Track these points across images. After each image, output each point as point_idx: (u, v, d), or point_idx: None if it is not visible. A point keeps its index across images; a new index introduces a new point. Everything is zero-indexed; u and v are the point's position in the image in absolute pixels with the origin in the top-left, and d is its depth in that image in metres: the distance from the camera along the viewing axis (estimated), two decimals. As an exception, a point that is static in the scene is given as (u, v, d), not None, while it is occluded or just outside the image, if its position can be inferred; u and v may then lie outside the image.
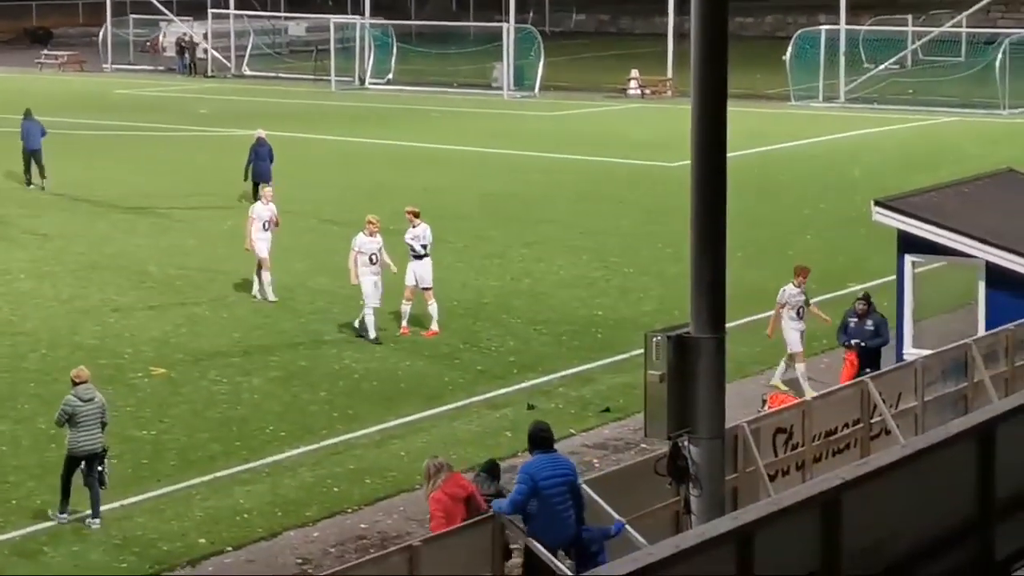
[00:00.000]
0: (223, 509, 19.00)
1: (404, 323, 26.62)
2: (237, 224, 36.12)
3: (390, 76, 68.56)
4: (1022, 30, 61.00)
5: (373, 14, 72.61)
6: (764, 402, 21.29)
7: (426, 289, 26.49)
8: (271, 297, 28.66)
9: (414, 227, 27.05)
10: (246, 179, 38.48)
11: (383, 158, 46.75)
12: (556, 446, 21.09)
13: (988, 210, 23.32)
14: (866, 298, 23.36)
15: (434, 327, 26.39)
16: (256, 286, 28.98)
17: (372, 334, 25.92)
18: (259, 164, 38.20)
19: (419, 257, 26.75)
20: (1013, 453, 13.65)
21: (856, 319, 22.96)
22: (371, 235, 26.38)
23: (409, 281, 26.69)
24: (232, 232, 35.17)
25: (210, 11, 76.03)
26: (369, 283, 26.06)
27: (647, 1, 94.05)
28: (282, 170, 43.58)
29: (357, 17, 74.06)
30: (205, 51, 74.89)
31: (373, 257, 26.18)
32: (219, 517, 18.75)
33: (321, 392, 23.46)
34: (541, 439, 15.28)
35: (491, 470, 16.37)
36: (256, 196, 39.05)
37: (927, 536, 12.75)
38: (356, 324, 26.38)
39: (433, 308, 26.41)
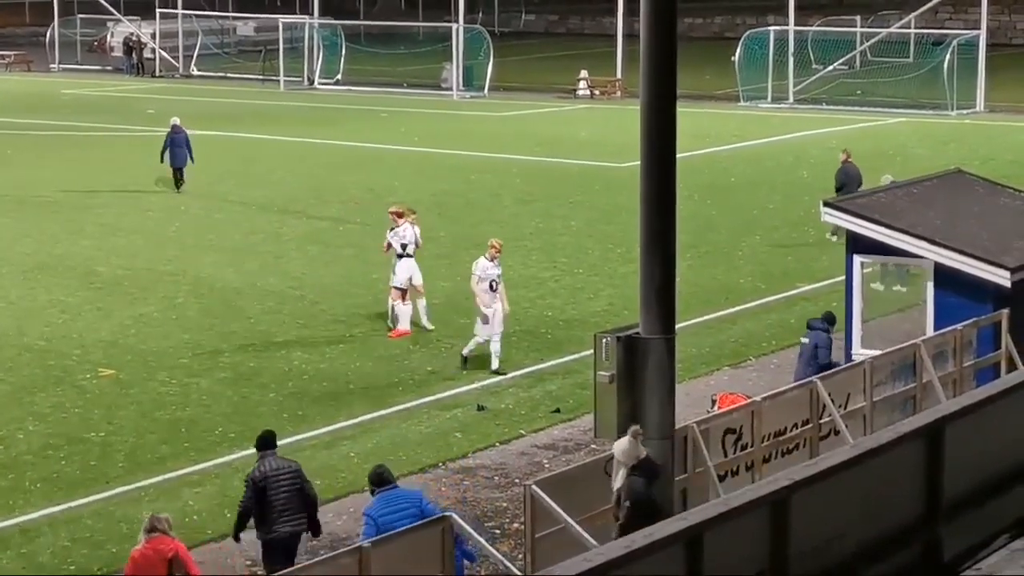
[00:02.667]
0: (172, 510, 18.78)
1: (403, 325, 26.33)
2: (185, 225, 36.02)
3: (339, 76, 68.41)
4: (970, 31, 61.33)
5: (322, 14, 72.45)
6: (714, 402, 21.33)
7: (401, 289, 26.29)
8: (426, 324, 26.63)
9: (397, 227, 26.83)
10: (162, 161, 40.51)
11: (332, 158, 46.64)
12: (508, 447, 21.24)
13: (936, 211, 23.43)
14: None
15: (403, 327, 26.31)
16: (418, 314, 26.85)
17: (466, 351, 24.62)
18: (176, 151, 40.38)
19: (401, 257, 26.55)
20: (961, 454, 13.72)
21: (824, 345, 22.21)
22: (492, 259, 24.66)
23: (395, 282, 26.48)
24: (179, 233, 35.05)
25: (158, 11, 75.67)
26: (487, 311, 24.54)
27: (596, 2, 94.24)
28: (231, 170, 43.53)
29: (306, 17, 73.86)
30: (153, 51, 74.54)
31: (493, 284, 24.61)
32: (168, 519, 18.64)
33: (270, 393, 23.37)
34: (378, 479, 15.37)
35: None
36: (178, 183, 40.00)
37: (875, 536, 12.80)
38: (465, 353, 24.69)
39: (403, 309, 26.28)
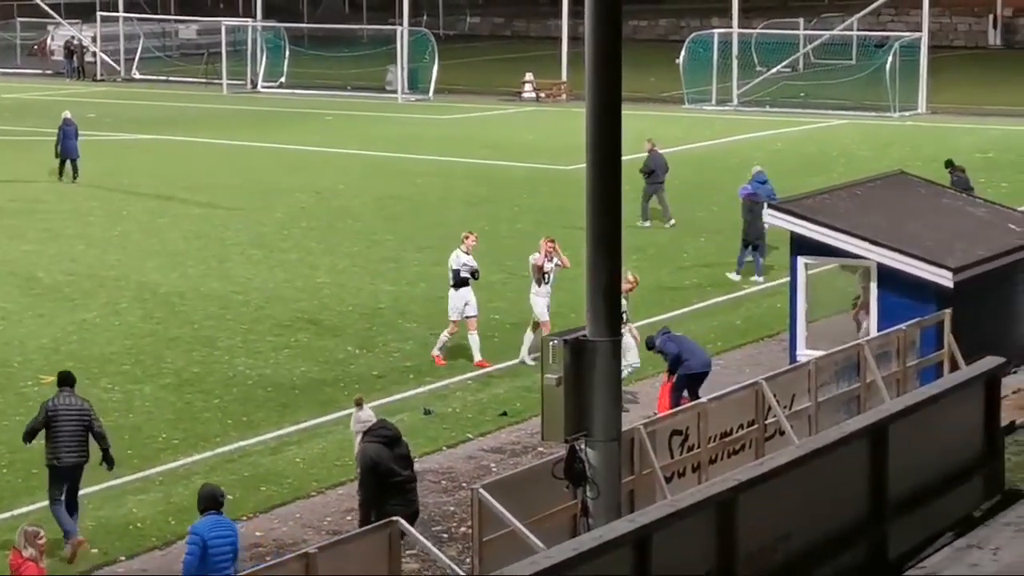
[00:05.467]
0: (115, 518, 18.79)
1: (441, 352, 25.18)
2: (127, 230, 35.79)
3: (282, 79, 68.18)
4: (912, 33, 61.68)
5: (265, 17, 72.18)
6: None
7: (471, 317, 25.19)
8: (526, 359, 24.83)
9: (467, 252, 25.42)
10: (56, 156, 42.32)
11: (276, 161, 46.47)
12: (453, 451, 21.22)
13: (879, 212, 23.56)
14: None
15: (479, 356, 25.11)
16: (526, 344, 25.14)
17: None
18: (67, 142, 42.38)
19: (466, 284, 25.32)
20: (905, 453, 13.77)
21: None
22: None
23: (451, 315, 25.17)
24: (122, 238, 34.83)
25: (99, 14, 75.21)
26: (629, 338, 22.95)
27: (541, 4, 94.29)
28: (174, 174, 43.33)
29: (248, 20, 73.55)
30: (94, 54, 74.08)
31: (624, 315, 24.09)
32: (111, 526, 18.53)
33: (215, 399, 23.25)
34: (215, 500, 15.47)
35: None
36: (62, 173, 42.09)
37: (821, 536, 12.83)
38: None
39: (475, 338, 25.15)
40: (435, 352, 25.10)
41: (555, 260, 25.06)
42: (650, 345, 22.54)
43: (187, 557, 15.18)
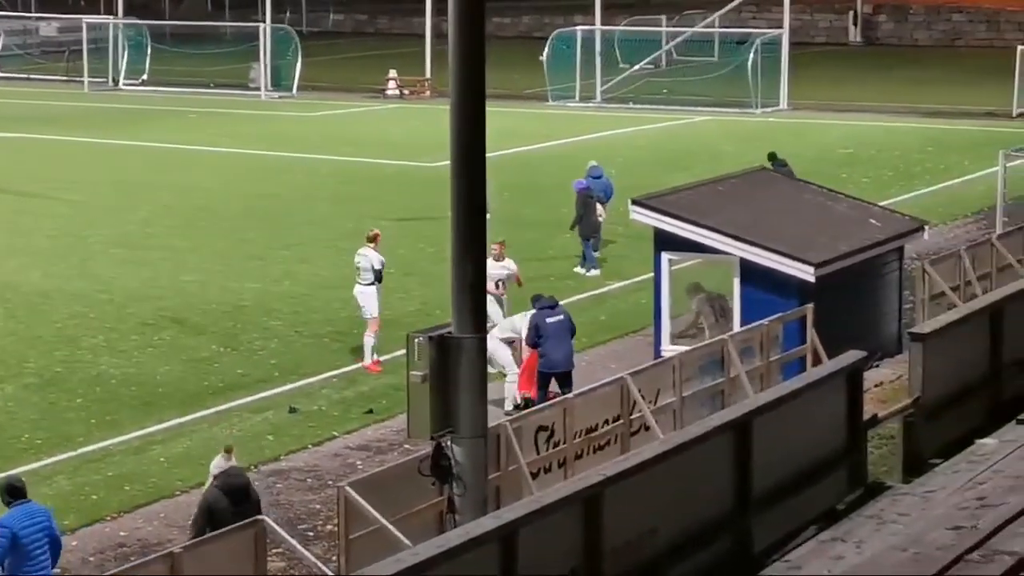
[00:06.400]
0: (-24, 521, 18.48)
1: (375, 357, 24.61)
2: (-12, 228, 35.29)
3: (145, 77, 67.46)
4: (773, 30, 62.34)
5: (126, 14, 71.34)
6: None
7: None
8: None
9: (375, 251, 25.14)
10: None
11: (140, 159, 45.96)
12: (318, 449, 21.15)
13: (742, 207, 23.80)
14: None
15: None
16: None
17: (508, 405, 22.36)
18: None
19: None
20: (769, 447, 13.94)
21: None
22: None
23: (377, 311, 24.79)
24: (-17, 236, 34.35)
25: (-44, 11, 73.93)
26: (508, 351, 22.68)
27: (405, 1, 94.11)
28: (36, 173, 42.72)
29: (110, 17, 72.67)
30: (-48, 52, 72.77)
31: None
32: (-28, 529, 18.22)
33: (78, 399, 22.99)
34: (16, 490, 15.33)
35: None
36: None
37: (687, 530, 12.96)
38: (514, 404, 22.20)
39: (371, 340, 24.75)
40: (367, 363, 24.40)
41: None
42: (533, 301, 22.53)
43: None
